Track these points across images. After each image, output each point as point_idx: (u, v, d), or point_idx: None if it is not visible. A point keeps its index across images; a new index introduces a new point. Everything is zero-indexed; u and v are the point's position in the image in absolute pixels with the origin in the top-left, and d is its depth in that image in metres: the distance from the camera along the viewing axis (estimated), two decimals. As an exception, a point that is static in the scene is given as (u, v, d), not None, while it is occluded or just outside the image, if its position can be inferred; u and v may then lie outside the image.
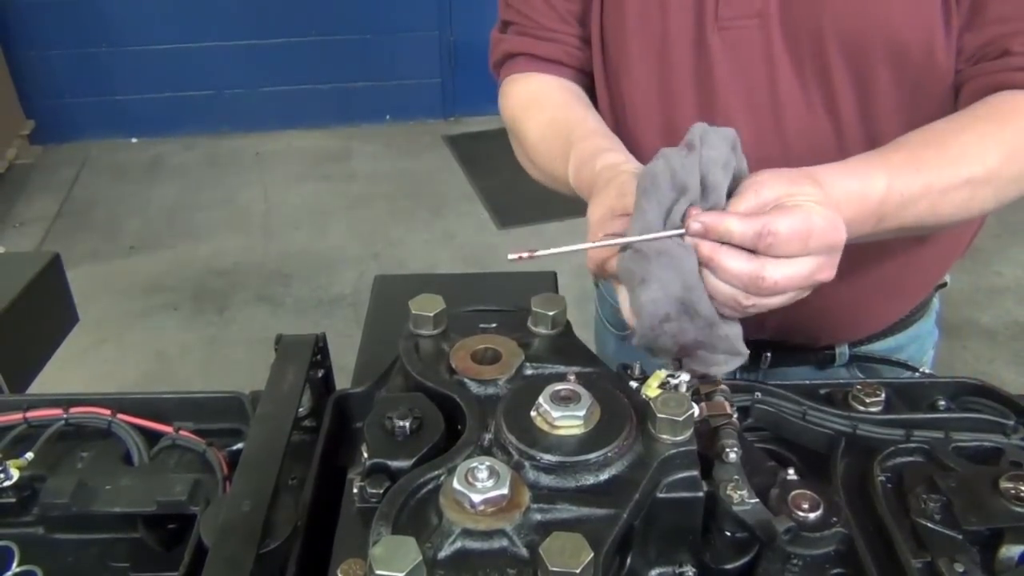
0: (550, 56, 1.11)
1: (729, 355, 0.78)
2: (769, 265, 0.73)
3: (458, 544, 0.63)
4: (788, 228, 0.73)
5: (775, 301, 0.76)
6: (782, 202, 0.74)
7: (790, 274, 0.74)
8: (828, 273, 0.77)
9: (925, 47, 0.93)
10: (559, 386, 0.73)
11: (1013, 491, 0.75)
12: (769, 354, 1.18)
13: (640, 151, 1.06)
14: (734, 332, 0.78)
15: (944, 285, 1.22)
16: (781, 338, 1.17)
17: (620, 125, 1.10)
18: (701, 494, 0.71)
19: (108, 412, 0.92)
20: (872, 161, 0.85)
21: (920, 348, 1.24)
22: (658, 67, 1.02)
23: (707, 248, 0.73)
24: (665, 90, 1.03)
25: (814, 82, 0.97)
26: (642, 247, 0.74)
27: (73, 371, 2.73)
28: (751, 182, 0.76)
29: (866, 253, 1.08)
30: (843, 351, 1.19)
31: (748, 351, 0.80)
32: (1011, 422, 0.86)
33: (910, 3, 0.92)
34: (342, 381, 1.04)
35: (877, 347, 1.20)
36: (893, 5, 0.92)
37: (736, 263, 0.73)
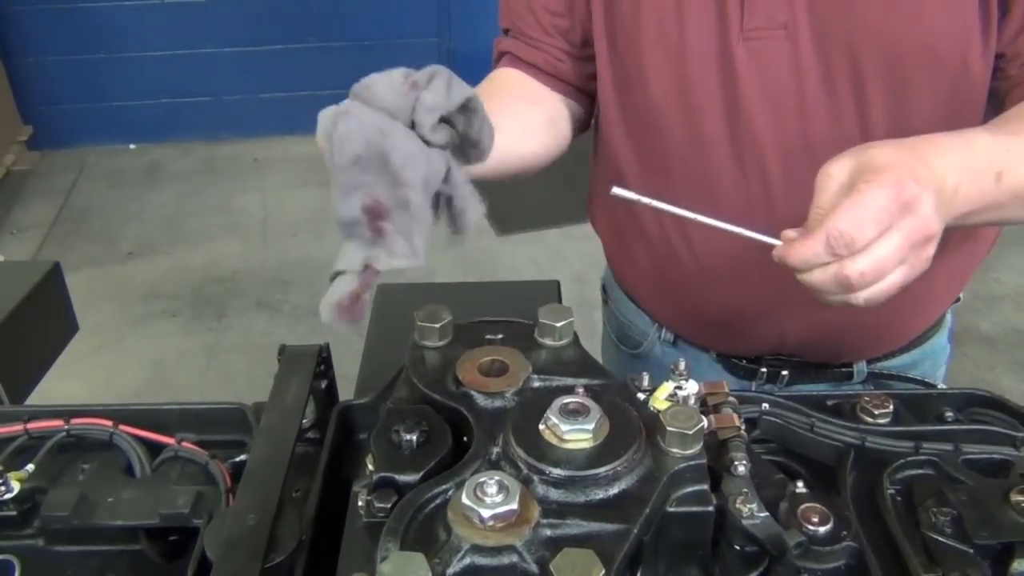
0: (531, 60, 1.14)
1: (407, 244, 0.75)
2: (847, 262, 0.72)
3: (467, 560, 0.62)
4: (851, 221, 0.71)
5: (882, 287, 0.74)
6: (854, 182, 0.74)
7: (874, 262, 0.72)
8: (923, 234, 0.73)
9: (960, 55, 0.92)
10: (568, 399, 0.72)
11: (1024, 504, 0.75)
12: (787, 372, 1.18)
13: (665, 163, 1.05)
14: (420, 210, 0.74)
15: (957, 300, 1.22)
16: (801, 355, 1.17)
17: (637, 137, 1.09)
18: (711, 508, 0.70)
19: (110, 423, 0.92)
20: (967, 129, 0.86)
21: (934, 364, 1.23)
22: (678, 80, 1.01)
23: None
24: (687, 103, 1.02)
25: (844, 93, 0.96)
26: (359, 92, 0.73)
27: (70, 378, 2.72)
28: (820, 174, 0.77)
29: None
30: (861, 368, 1.18)
31: (423, 254, 0.76)
32: (1021, 434, 0.85)
33: (946, 10, 0.91)
34: (342, 389, 1.03)
35: (893, 363, 1.19)
36: (929, 12, 0.91)
37: (819, 275, 0.74)
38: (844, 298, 0.75)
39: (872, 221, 0.71)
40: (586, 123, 1.22)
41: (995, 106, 0.97)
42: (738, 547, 0.72)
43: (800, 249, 0.74)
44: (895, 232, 0.72)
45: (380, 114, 0.72)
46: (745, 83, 0.98)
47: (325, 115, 0.75)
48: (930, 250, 0.75)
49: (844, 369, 1.18)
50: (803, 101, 0.97)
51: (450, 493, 0.67)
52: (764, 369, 1.18)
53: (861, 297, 0.74)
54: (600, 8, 1.05)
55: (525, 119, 1.07)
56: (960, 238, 1.08)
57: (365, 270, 0.75)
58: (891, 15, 0.92)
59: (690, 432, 0.69)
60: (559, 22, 1.11)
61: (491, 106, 0.82)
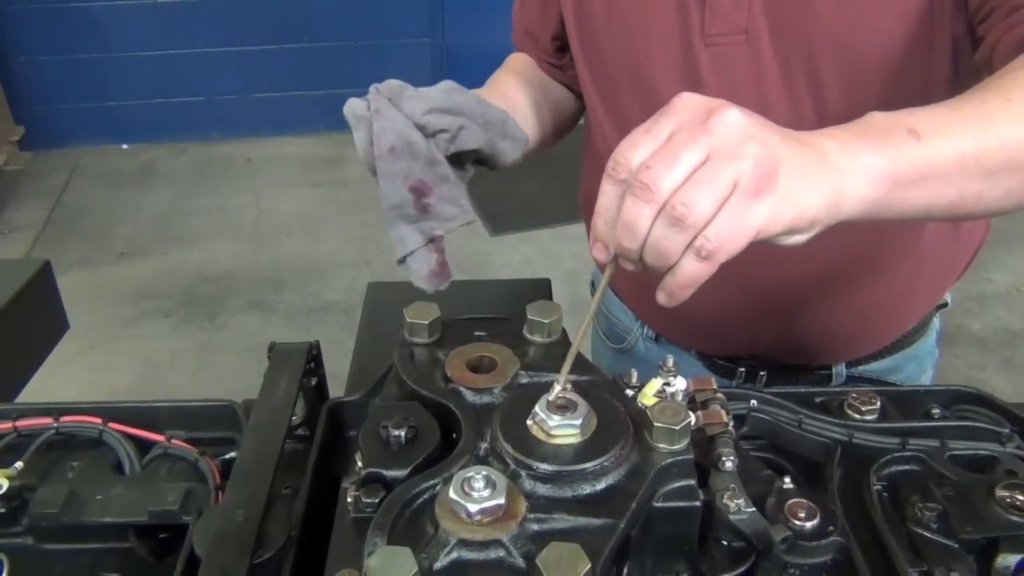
0: (529, 53, 1.22)
1: (455, 206, 0.85)
2: (636, 173, 0.61)
3: (454, 555, 0.62)
4: (622, 145, 0.63)
5: (697, 185, 0.60)
6: None
7: (660, 154, 0.61)
8: (699, 105, 0.63)
9: (915, 48, 0.92)
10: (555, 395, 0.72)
11: (1009, 499, 0.75)
12: (764, 373, 1.18)
13: None
14: (454, 178, 0.85)
15: (945, 305, 1.22)
16: (776, 357, 1.17)
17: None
18: (698, 503, 0.70)
19: (99, 421, 0.91)
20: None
21: (919, 367, 1.23)
22: (644, 86, 1.02)
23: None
24: (655, 109, 1.02)
25: (804, 96, 0.96)
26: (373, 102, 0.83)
27: (61, 379, 2.71)
28: None
29: (866, 272, 1.08)
30: (840, 371, 1.19)
31: (471, 212, 0.86)
32: (1006, 430, 0.86)
33: (902, 10, 0.90)
34: (334, 388, 1.03)
35: (875, 366, 1.19)
36: (883, 12, 0.91)
37: (623, 210, 0.62)
38: (670, 217, 0.60)
39: (642, 133, 0.63)
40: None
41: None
42: (725, 542, 0.73)
43: (596, 210, 0.65)
44: (678, 131, 0.62)
45: (401, 113, 0.83)
46: (709, 88, 0.98)
47: (351, 112, 0.83)
48: (728, 120, 0.62)
49: (822, 372, 1.19)
50: (765, 104, 0.97)
51: (438, 488, 0.67)
52: (742, 369, 1.19)
53: (677, 201, 0.60)
54: (572, 18, 1.07)
55: (517, 106, 1.08)
56: (943, 242, 1.09)
57: (430, 242, 0.85)
58: (848, 18, 0.91)
59: (677, 428, 0.70)
60: (532, 30, 1.18)
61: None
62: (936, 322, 1.24)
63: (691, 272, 0.62)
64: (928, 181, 0.70)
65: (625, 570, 0.71)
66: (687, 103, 0.64)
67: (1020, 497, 0.75)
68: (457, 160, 0.88)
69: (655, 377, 0.80)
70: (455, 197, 0.85)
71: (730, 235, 0.60)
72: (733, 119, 0.62)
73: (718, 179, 0.60)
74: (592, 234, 0.67)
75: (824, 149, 0.66)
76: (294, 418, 0.91)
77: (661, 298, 0.66)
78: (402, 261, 0.86)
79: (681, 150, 0.61)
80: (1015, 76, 0.74)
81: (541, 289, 1.35)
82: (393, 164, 0.82)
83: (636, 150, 0.62)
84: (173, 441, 0.91)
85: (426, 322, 0.85)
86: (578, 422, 0.70)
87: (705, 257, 0.61)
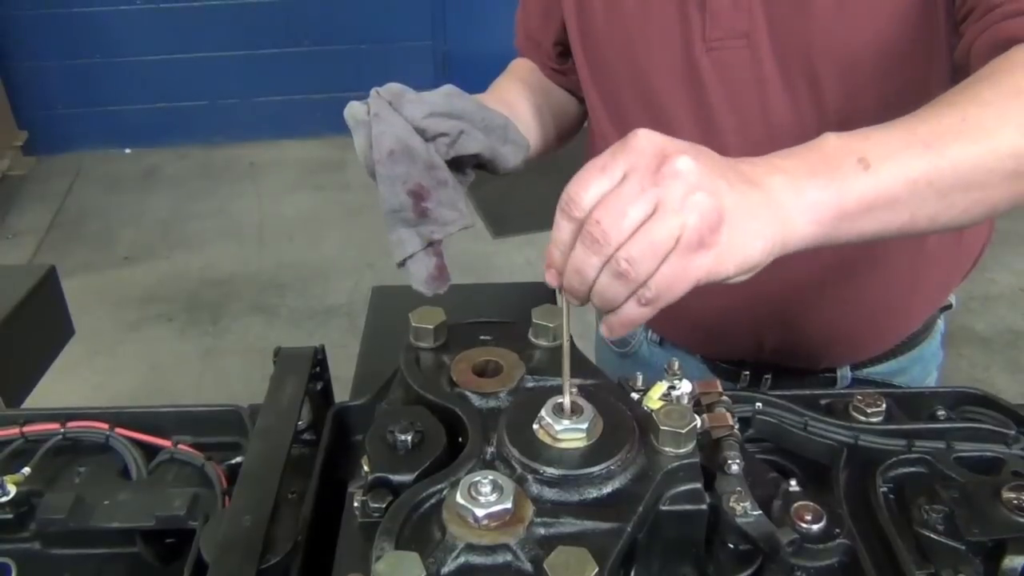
0: (532, 59, 1.22)
1: (454, 211, 0.84)
2: (586, 219, 0.63)
3: (462, 559, 0.62)
4: (573, 182, 0.64)
5: (643, 238, 0.61)
6: None
7: (606, 205, 0.62)
8: (653, 152, 0.63)
9: (912, 50, 0.92)
10: (561, 399, 0.73)
11: (1015, 501, 0.75)
12: (769, 377, 1.18)
13: None
14: (453, 182, 0.85)
15: (949, 307, 1.21)
16: (781, 361, 1.17)
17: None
18: (704, 506, 0.70)
19: (106, 426, 0.92)
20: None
21: (924, 370, 1.23)
22: (647, 92, 1.02)
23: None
24: (658, 115, 1.03)
25: (805, 100, 0.97)
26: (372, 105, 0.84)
27: (65, 383, 2.71)
28: None
29: (869, 275, 1.07)
30: (845, 374, 1.19)
31: (469, 216, 0.85)
32: (1012, 432, 0.86)
33: (897, 10, 0.91)
34: (337, 392, 1.03)
35: (880, 369, 1.19)
36: (881, 15, 0.91)
37: (574, 257, 0.64)
38: (615, 271, 0.63)
39: (596, 170, 0.64)
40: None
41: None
42: (732, 545, 0.73)
43: (552, 238, 0.66)
44: (629, 176, 0.63)
45: (401, 117, 0.82)
46: (712, 93, 0.99)
47: (352, 116, 0.84)
48: (678, 168, 0.62)
49: (827, 375, 1.19)
50: (766, 108, 0.98)
51: (444, 493, 0.68)
52: (746, 372, 1.19)
53: (621, 257, 0.62)
54: (574, 24, 1.08)
55: (519, 111, 1.08)
56: (946, 244, 1.09)
57: (429, 246, 0.85)
58: (846, 21, 0.91)
59: (683, 431, 0.70)
60: (534, 35, 1.19)
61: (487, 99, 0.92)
62: (940, 324, 1.24)
63: (632, 315, 0.66)
64: (877, 210, 0.70)
65: (632, 573, 0.71)
66: (644, 146, 0.64)
67: (1027, 499, 0.75)
68: (457, 165, 0.87)
69: (660, 380, 0.80)
70: (454, 201, 0.84)
71: (669, 286, 0.63)
72: (683, 167, 0.63)
73: (661, 234, 0.62)
74: (547, 259, 0.68)
75: (771, 187, 0.67)
76: (300, 422, 0.92)
77: (603, 331, 0.69)
78: (402, 264, 0.86)
79: (628, 204, 0.62)
80: (975, 89, 0.75)
81: (545, 292, 1.35)
82: (392, 168, 0.82)
83: (589, 189, 0.64)
84: (179, 446, 0.91)
85: (431, 326, 0.85)
86: (584, 426, 0.70)
87: (645, 304, 0.64)
